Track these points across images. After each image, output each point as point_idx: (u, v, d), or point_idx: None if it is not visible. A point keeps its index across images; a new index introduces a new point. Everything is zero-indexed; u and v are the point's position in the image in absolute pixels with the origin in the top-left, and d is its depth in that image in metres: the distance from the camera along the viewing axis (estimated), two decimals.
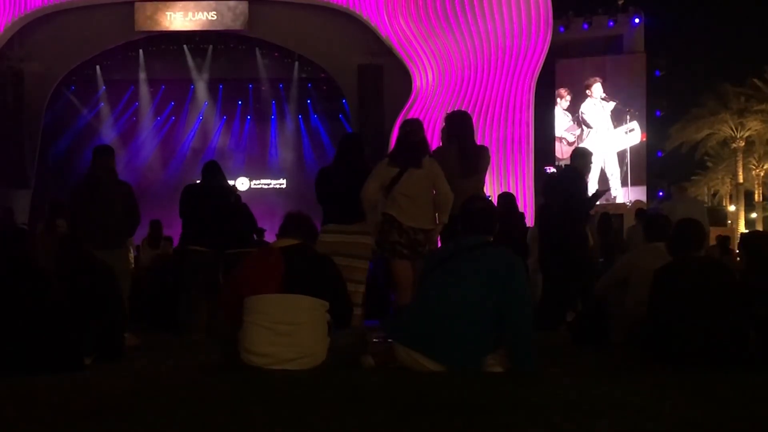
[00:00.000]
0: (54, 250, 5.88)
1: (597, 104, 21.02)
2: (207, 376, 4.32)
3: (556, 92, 21.20)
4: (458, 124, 6.96)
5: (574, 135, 21.26)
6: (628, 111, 20.74)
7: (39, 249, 7.12)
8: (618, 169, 20.86)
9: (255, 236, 9.30)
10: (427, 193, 6.28)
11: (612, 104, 20.90)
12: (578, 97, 21.14)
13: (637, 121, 20.75)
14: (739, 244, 5.98)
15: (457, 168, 6.58)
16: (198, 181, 8.30)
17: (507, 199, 9.52)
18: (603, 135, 21.03)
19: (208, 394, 3.67)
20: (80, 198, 7.16)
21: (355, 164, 6.64)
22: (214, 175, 7.93)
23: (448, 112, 7.31)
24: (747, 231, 23.43)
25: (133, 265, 9.34)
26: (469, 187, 6.38)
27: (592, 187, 20.81)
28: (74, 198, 7.27)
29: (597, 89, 20.94)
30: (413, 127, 6.68)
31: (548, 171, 18.24)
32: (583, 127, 21.13)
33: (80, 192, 7.24)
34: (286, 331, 4.40)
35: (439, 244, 6.40)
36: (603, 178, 21.02)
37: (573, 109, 21.19)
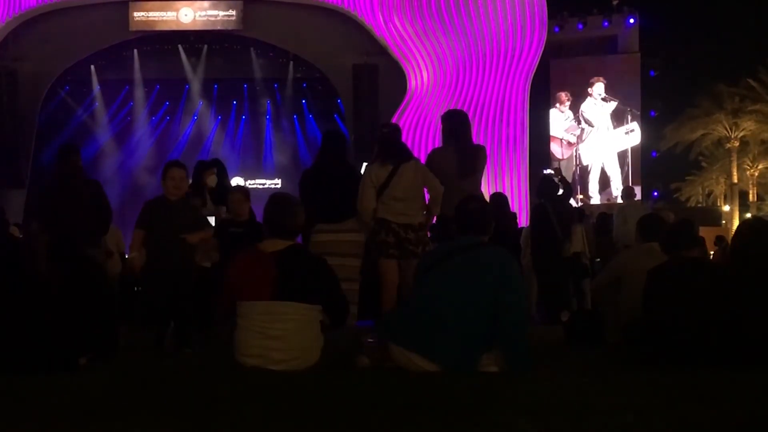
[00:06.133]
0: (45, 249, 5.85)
1: (597, 103, 21.07)
2: (203, 376, 4.31)
3: (556, 96, 21.25)
4: (455, 123, 6.96)
5: (575, 135, 21.30)
6: (629, 111, 20.79)
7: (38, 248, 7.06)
8: (619, 169, 20.90)
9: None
10: (417, 192, 6.30)
11: (613, 104, 20.95)
12: (576, 96, 21.19)
13: (637, 122, 20.83)
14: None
15: (455, 168, 6.58)
16: None
17: (499, 199, 9.53)
18: (603, 134, 21.06)
19: (204, 394, 3.66)
20: (51, 199, 7.00)
21: (339, 161, 6.64)
22: (220, 176, 7.93)
23: (443, 111, 7.30)
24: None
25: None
26: (467, 187, 6.39)
27: (593, 186, 21.02)
28: (44, 199, 7.13)
29: (598, 88, 21.01)
30: (393, 127, 6.77)
31: (545, 172, 18.29)
32: (584, 126, 21.18)
33: (50, 193, 7.10)
34: (279, 335, 4.38)
35: (434, 245, 6.41)
36: (604, 178, 21.08)
37: (573, 108, 21.24)
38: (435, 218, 6.74)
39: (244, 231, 6.68)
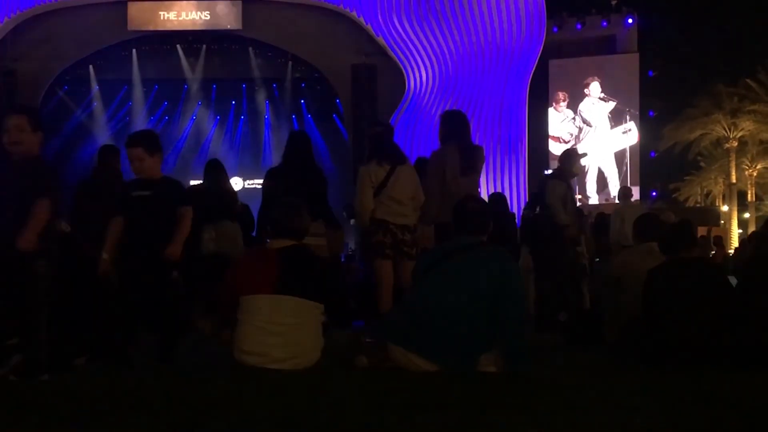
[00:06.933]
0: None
1: (595, 103, 21.09)
2: (202, 376, 4.31)
3: (554, 96, 21.27)
4: (456, 122, 6.95)
5: (571, 134, 21.30)
6: (628, 111, 20.81)
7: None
8: (616, 169, 20.91)
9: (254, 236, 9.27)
10: (412, 193, 6.31)
11: (612, 104, 20.96)
12: (575, 96, 21.20)
13: (635, 122, 20.85)
14: (749, 237, 5.95)
15: (458, 167, 6.57)
16: (200, 182, 8.22)
17: (498, 199, 9.52)
18: (601, 134, 21.08)
19: (203, 394, 3.66)
20: (84, 199, 6.99)
21: (307, 163, 6.48)
22: (216, 177, 7.86)
23: (442, 111, 7.28)
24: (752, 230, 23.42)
25: None
26: (468, 186, 6.39)
27: (591, 186, 21.01)
28: (78, 199, 7.09)
29: (595, 88, 21.01)
30: (386, 126, 6.75)
31: (546, 173, 18.33)
32: (582, 125, 21.19)
33: (85, 192, 7.07)
34: (279, 331, 4.40)
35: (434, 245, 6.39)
36: (601, 178, 21.08)
37: (572, 108, 21.26)
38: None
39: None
